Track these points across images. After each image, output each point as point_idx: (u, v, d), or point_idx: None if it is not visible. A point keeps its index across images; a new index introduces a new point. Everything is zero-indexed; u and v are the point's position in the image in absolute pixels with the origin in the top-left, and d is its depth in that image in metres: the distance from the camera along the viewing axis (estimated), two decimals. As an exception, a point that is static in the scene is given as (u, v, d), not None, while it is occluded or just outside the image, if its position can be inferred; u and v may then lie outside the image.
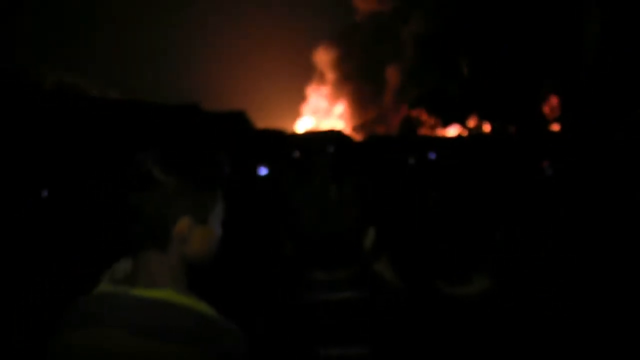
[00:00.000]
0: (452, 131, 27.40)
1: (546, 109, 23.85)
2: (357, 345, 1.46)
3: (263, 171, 13.76)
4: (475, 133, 25.41)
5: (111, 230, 1.36)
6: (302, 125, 53.90)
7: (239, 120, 30.71)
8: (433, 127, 27.64)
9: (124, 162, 1.35)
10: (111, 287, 1.32)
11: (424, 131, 27.70)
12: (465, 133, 26.17)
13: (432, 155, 19.88)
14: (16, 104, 19.34)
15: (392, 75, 44.05)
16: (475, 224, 2.13)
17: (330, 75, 54.48)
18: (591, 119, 18.18)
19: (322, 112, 56.28)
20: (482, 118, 25.53)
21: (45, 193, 11.03)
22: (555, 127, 23.44)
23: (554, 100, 23.45)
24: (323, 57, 53.86)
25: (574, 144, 14.62)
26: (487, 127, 25.63)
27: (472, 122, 26.14)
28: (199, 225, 1.32)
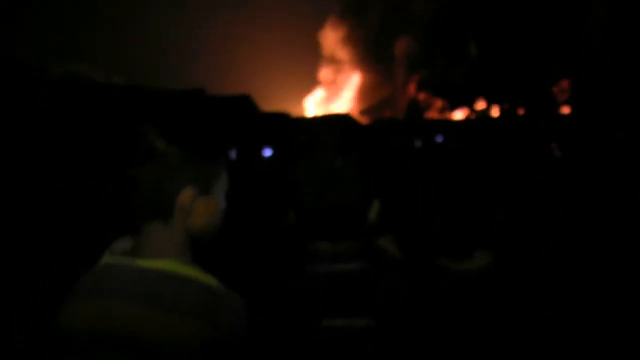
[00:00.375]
0: (460, 114, 27.26)
1: (556, 91, 23.63)
2: (361, 317, 1.48)
3: (267, 152, 13.85)
4: (483, 116, 25.25)
5: (115, 205, 1.34)
6: (308, 108, 54.04)
7: (244, 103, 30.78)
8: (440, 111, 27.48)
9: (127, 138, 1.30)
10: (115, 259, 1.33)
11: (431, 114, 27.55)
12: (472, 116, 26.02)
13: (439, 138, 19.86)
14: (22, 94, 19.46)
15: (400, 54, 44.04)
16: (478, 203, 2.07)
17: (338, 55, 54.56)
18: (601, 102, 18.01)
19: (329, 96, 56.37)
20: (490, 101, 25.33)
21: (55, 183, 11.13)
22: (565, 109, 23.26)
23: (564, 83, 23.24)
24: (330, 36, 53.89)
25: (584, 126, 14.48)
26: (495, 110, 25.45)
27: (480, 105, 25.95)
28: (203, 196, 1.33)
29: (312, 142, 1.59)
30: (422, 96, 27.96)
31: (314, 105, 54.90)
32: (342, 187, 1.51)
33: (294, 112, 40.64)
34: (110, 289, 1.27)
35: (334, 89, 55.78)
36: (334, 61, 54.42)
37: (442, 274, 1.98)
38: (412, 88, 36.10)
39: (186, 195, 1.30)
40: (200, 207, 1.33)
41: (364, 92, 53.06)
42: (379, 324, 1.47)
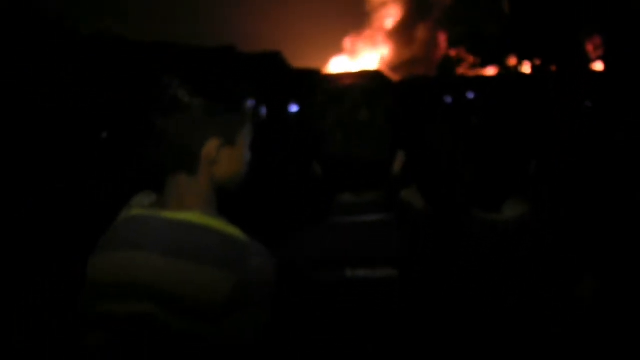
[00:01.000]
0: (491, 71, 26.78)
1: (589, 48, 23.04)
2: (384, 268, 1.47)
3: (294, 108, 13.82)
4: (515, 72, 24.78)
5: (140, 157, 1.40)
6: (339, 65, 53.18)
7: (275, 60, 30.53)
8: (472, 67, 27.02)
9: (150, 87, 1.36)
10: (143, 211, 1.37)
11: (462, 71, 27.12)
12: (504, 73, 25.56)
13: (470, 95, 19.62)
14: (54, 51, 19.33)
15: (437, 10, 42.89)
16: (510, 156, 2.06)
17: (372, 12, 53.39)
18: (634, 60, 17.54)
19: (361, 52, 55.39)
20: (522, 57, 24.82)
21: (104, 134, 11.18)
22: (598, 65, 22.72)
23: (596, 40, 22.61)
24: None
25: (616, 84, 14.16)
26: (527, 67, 24.96)
27: (511, 62, 25.45)
28: (228, 146, 1.36)
29: (338, 96, 1.57)
30: (453, 52, 27.48)
31: (343, 63, 54.04)
32: (367, 139, 1.50)
33: (324, 69, 40.23)
34: (136, 240, 1.32)
35: (366, 47, 54.80)
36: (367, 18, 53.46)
37: (475, 224, 2.02)
38: (443, 44, 35.43)
39: (212, 145, 1.32)
40: (225, 157, 1.35)
41: (395, 48, 52.08)
42: (401, 274, 1.45)
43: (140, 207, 1.39)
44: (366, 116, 1.52)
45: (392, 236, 1.51)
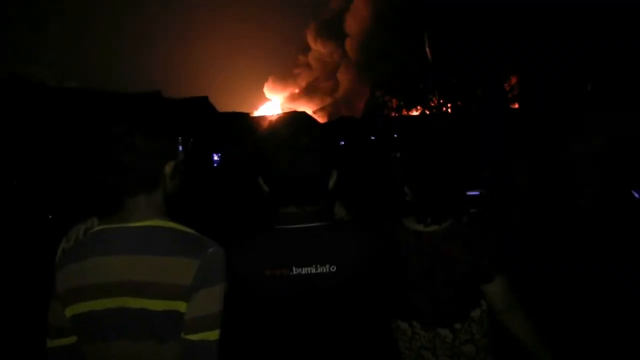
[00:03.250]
0: (415, 112, 27.66)
1: (506, 88, 24.23)
2: (325, 265, 1.72)
3: (215, 157, 14.53)
4: (438, 112, 25.69)
5: (100, 186, 1.66)
6: (264, 110, 53.93)
7: (202, 105, 30.59)
8: (396, 109, 27.79)
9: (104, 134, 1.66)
10: (107, 225, 1.66)
11: (388, 112, 27.83)
12: (427, 113, 26.43)
13: (395, 134, 20.28)
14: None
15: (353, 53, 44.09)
16: (440, 181, 2.31)
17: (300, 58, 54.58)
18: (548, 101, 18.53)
19: (282, 98, 56.40)
20: (444, 98, 25.80)
21: (15, 182, 11.04)
22: (515, 105, 23.91)
23: (513, 80, 23.84)
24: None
25: (532, 121, 14.92)
26: (448, 107, 25.92)
27: (433, 103, 26.38)
28: (178, 165, 1.73)
29: (275, 128, 1.83)
30: (378, 93, 28.22)
31: (268, 107, 54.91)
32: (306, 160, 1.75)
33: (251, 113, 40.66)
34: (104, 247, 1.60)
35: (286, 93, 55.93)
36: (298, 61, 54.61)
37: (403, 232, 2.31)
38: (365, 87, 36.44)
39: (170, 166, 1.70)
40: (177, 174, 1.73)
41: (313, 93, 53.28)
42: (339, 269, 1.70)
43: (103, 224, 1.68)
44: (305, 141, 1.75)
45: (330, 239, 1.76)
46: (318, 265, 1.70)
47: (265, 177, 1.81)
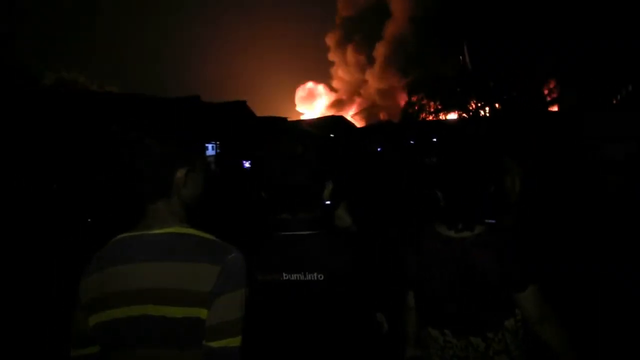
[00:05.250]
0: (452, 115, 27.37)
1: (545, 91, 23.81)
2: (312, 272, 1.77)
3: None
4: (475, 115, 25.36)
5: (123, 193, 1.71)
6: (301, 114, 54.11)
7: (240, 108, 30.83)
8: (434, 112, 27.55)
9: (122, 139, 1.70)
10: (129, 234, 1.69)
11: (424, 116, 27.60)
12: (465, 116, 26.12)
13: (434, 137, 20.07)
14: (16, 101, 19.46)
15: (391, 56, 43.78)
16: (471, 187, 2.25)
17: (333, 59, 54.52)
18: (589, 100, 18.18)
19: (319, 103, 56.46)
20: (482, 101, 25.47)
21: (55, 186, 11.33)
22: (554, 108, 23.47)
23: (551, 83, 23.42)
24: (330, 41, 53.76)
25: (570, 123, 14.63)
26: (486, 110, 25.58)
27: (471, 106, 26.07)
28: (192, 172, 1.72)
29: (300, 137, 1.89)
30: (414, 98, 28.01)
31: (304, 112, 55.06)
32: (301, 170, 1.80)
33: (288, 117, 40.72)
34: (126, 255, 1.62)
35: (324, 98, 55.97)
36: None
37: (432, 238, 2.26)
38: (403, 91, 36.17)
39: (181, 173, 1.69)
40: (190, 181, 1.72)
41: (350, 96, 53.16)
42: (328, 278, 1.73)
43: (126, 232, 1.70)
44: (299, 152, 1.82)
45: (320, 247, 1.81)
46: (307, 273, 1.76)
47: (263, 184, 1.88)
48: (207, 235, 1.65)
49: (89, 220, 8.70)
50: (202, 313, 1.54)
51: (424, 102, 27.46)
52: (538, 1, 20.68)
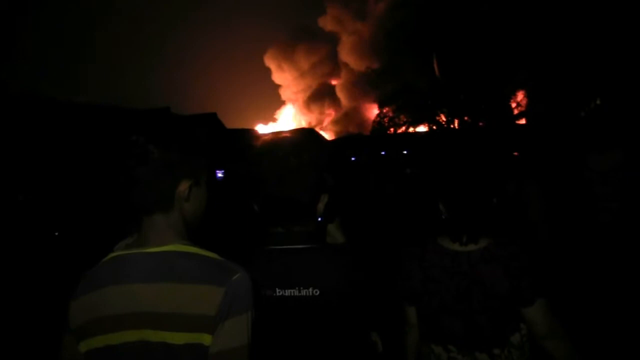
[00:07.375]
0: (423, 128, 27.61)
1: (512, 104, 24.19)
2: (307, 288, 1.70)
3: (219, 174, 14.68)
4: (446, 128, 25.62)
5: (120, 203, 1.57)
6: (268, 128, 54.15)
7: (211, 121, 30.74)
8: (404, 124, 27.73)
9: (118, 146, 1.56)
10: (122, 252, 1.54)
11: (395, 129, 27.77)
12: (435, 129, 26.36)
13: (405, 150, 20.26)
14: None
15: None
16: (473, 198, 2.22)
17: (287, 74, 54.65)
18: (557, 111, 18.50)
19: (285, 116, 56.58)
20: (452, 115, 25.74)
21: (20, 197, 11.05)
22: (521, 121, 23.86)
23: (519, 95, 23.81)
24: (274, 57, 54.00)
25: (541, 136, 14.89)
26: (456, 123, 25.87)
27: (441, 119, 26.33)
28: (196, 186, 1.60)
29: (272, 148, 1.84)
30: (385, 110, 28.17)
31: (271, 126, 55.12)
32: (295, 182, 1.75)
33: (256, 130, 40.76)
34: (128, 274, 1.48)
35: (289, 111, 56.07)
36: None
37: (437, 252, 2.24)
38: (372, 103, 36.40)
39: (184, 185, 1.56)
40: (194, 195, 1.60)
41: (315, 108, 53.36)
42: (322, 293, 1.67)
43: (120, 249, 1.56)
44: (294, 164, 1.76)
45: (316, 262, 1.74)
46: (301, 288, 1.69)
47: (255, 196, 1.82)
48: (211, 254, 1.52)
49: (56, 233, 8.47)
50: (206, 339, 1.41)
51: (392, 115, 27.60)
52: (507, 14, 21.03)
